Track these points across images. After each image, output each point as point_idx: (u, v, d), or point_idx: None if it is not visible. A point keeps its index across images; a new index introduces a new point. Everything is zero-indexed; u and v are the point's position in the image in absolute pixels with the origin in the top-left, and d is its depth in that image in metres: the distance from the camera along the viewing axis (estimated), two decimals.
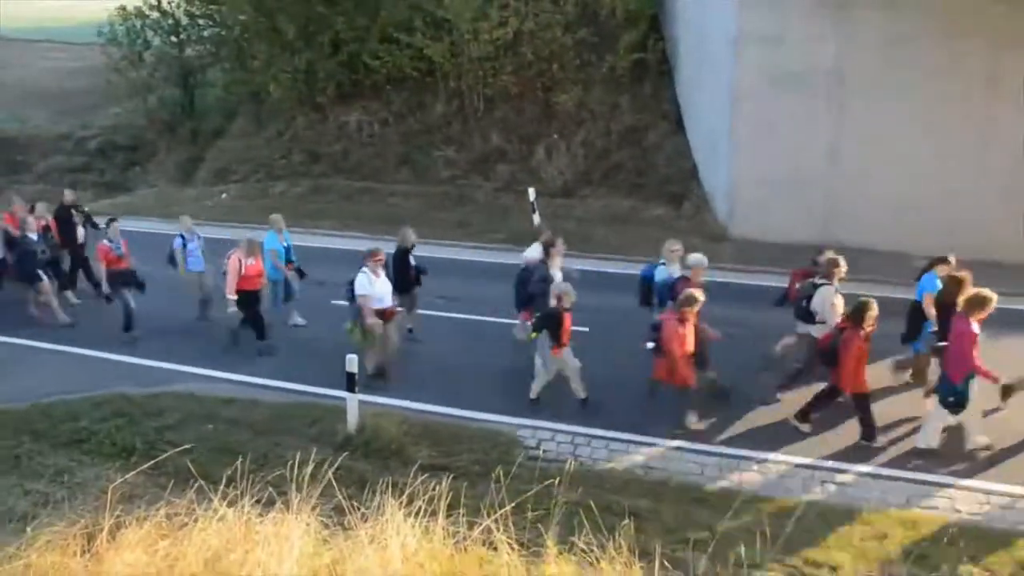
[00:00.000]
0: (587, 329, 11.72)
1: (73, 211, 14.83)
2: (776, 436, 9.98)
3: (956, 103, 15.41)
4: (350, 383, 9.87)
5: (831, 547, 7.88)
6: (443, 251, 16.89)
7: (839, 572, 7.44)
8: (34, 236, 13.61)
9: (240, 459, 6.33)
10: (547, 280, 11.15)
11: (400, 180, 21.06)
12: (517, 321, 12.07)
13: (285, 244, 13.17)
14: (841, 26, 15.71)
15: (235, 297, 12.01)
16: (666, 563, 5.79)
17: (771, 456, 9.62)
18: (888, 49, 15.50)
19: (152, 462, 7.08)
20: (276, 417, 10.54)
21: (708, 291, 10.43)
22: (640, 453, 9.76)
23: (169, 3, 25.33)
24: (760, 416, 10.40)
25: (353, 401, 9.94)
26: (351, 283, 11.28)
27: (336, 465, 6.25)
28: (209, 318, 13.33)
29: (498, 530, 5.49)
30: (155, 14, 25.38)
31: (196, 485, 6.03)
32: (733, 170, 17.01)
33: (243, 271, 12.00)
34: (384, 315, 11.22)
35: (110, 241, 12.94)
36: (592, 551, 5.53)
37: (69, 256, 14.71)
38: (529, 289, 11.36)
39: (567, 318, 10.31)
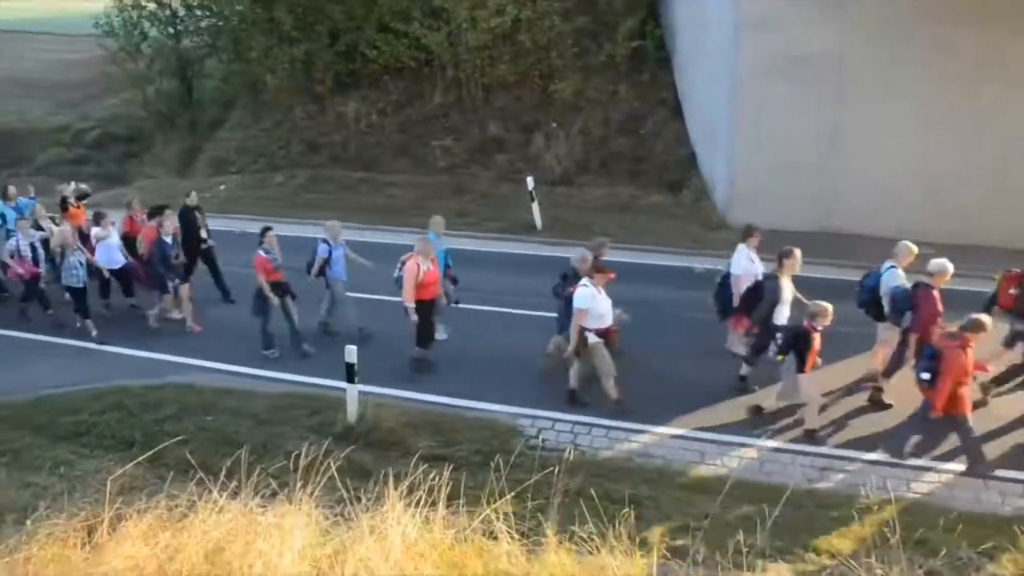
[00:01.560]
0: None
1: (197, 213, 14.06)
2: (776, 423, 9.99)
3: (953, 88, 15.35)
4: (349, 373, 9.87)
5: (831, 534, 7.89)
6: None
7: (839, 558, 7.45)
8: (169, 240, 12.83)
9: (240, 450, 6.33)
10: (776, 294, 10.24)
11: (398, 170, 21.00)
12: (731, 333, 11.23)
13: (443, 248, 12.22)
14: (839, 11, 15.62)
15: (413, 304, 10.86)
16: (666, 551, 5.80)
17: (771, 443, 9.63)
18: (888, 34, 15.42)
19: (151, 452, 7.07)
20: (276, 408, 10.55)
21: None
22: (640, 441, 9.77)
23: None
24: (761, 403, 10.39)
25: (353, 391, 9.95)
26: (559, 291, 10.59)
27: (337, 456, 6.26)
28: (332, 331, 12.42)
29: (498, 520, 5.50)
30: (152, 5, 25.24)
31: (196, 477, 6.04)
32: (732, 157, 16.96)
33: (420, 277, 10.89)
34: (605, 335, 10.14)
35: (266, 252, 11.82)
36: (592, 540, 5.55)
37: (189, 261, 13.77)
38: (763, 303, 10.27)
39: (817, 339, 9.47)
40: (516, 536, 5.48)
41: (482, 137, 21.03)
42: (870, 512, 7.96)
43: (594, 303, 9.95)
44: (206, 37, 25.52)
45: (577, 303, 9.93)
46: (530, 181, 17.56)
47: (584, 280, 10.09)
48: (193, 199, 14.21)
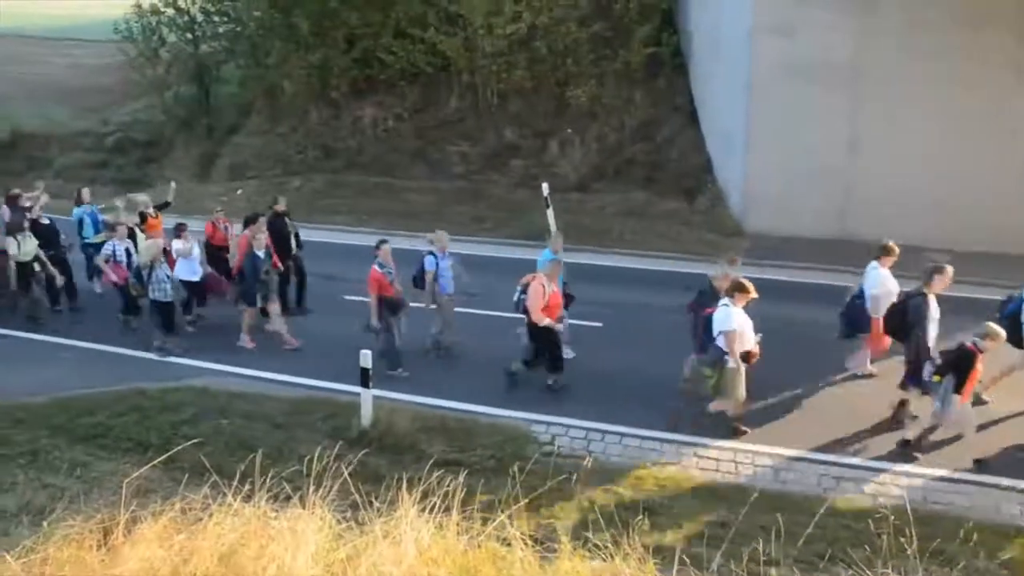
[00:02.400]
0: (600, 324, 11.70)
1: (286, 220, 13.58)
2: (790, 431, 9.92)
3: (977, 93, 15.23)
4: (364, 378, 9.89)
5: (846, 543, 7.82)
6: (457, 246, 16.82)
7: (854, 568, 7.38)
8: (262, 253, 12.22)
9: (255, 454, 6.35)
10: (924, 312, 9.53)
11: (414, 175, 21.07)
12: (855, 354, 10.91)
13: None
14: (859, 16, 15.55)
15: (547, 322, 10.37)
16: (682, 559, 5.76)
17: (786, 452, 9.56)
18: (907, 39, 15.34)
19: (166, 455, 7.10)
20: (291, 412, 10.58)
21: None
22: (654, 448, 9.72)
23: (184, 0, 25.41)
24: (776, 411, 10.33)
25: (367, 396, 9.96)
26: (697, 310, 10.05)
27: (351, 460, 6.27)
28: (444, 349, 11.96)
29: (512, 526, 5.48)
30: (170, 11, 25.48)
31: (211, 480, 6.05)
32: (748, 164, 16.90)
33: (546, 299, 10.40)
34: (747, 358, 9.62)
35: (381, 266, 11.29)
36: (606, 547, 5.52)
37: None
38: (909, 320, 9.63)
39: (981, 362, 8.88)
40: (530, 543, 5.46)
41: (498, 143, 21.06)
42: (886, 522, 7.88)
43: (737, 324, 9.42)
44: (224, 42, 25.73)
45: (721, 325, 9.38)
46: (545, 187, 17.56)
47: (724, 300, 9.56)
48: (282, 205, 13.74)
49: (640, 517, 6.34)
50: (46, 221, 13.98)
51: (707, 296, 10.14)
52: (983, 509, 8.52)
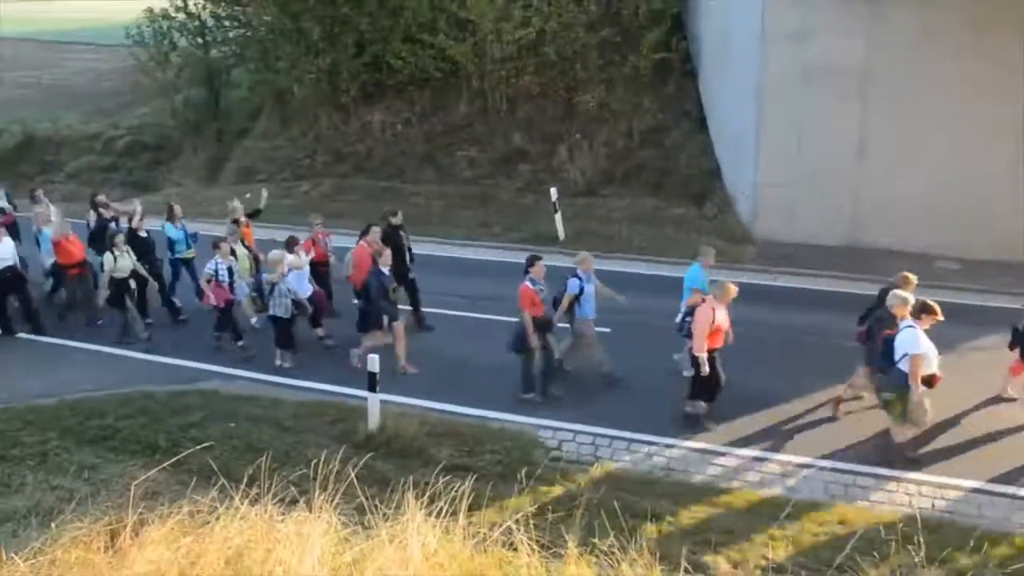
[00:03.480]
0: (609, 330, 11.68)
1: (402, 233, 13.03)
2: (798, 438, 9.88)
3: (989, 99, 15.15)
4: (371, 382, 9.90)
5: (854, 551, 7.78)
6: (465, 251, 16.93)
7: None
8: (387, 270, 11.55)
9: (262, 457, 6.36)
10: None
11: (423, 180, 21.11)
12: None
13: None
14: (870, 21, 15.49)
15: (705, 355, 9.67)
16: (687, 566, 5.75)
17: (794, 459, 9.53)
18: (918, 44, 15.27)
19: (175, 458, 7.12)
20: (298, 415, 10.60)
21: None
22: (661, 455, 9.70)
23: (195, 4, 25.55)
24: (782, 418, 10.30)
25: (374, 400, 9.97)
26: (875, 330, 9.62)
27: (358, 465, 6.27)
28: (565, 370, 11.15)
29: (519, 531, 5.48)
30: (181, 15, 25.62)
31: (218, 483, 6.07)
32: (757, 169, 16.86)
33: (714, 324, 9.70)
34: (931, 382, 9.13)
35: (533, 283, 10.58)
36: (613, 553, 5.51)
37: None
38: None
39: None
40: (536, 548, 5.45)
41: (506, 148, 21.08)
42: (895, 530, 7.85)
43: (923, 347, 8.94)
44: (234, 47, 25.86)
45: (907, 347, 8.89)
46: (553, 192, 17.58)
47: (909, 321, 9.11)
48: (399, 218, 13.23)
49: (647, 523, 6.34)
50: (144, 234, 13.53)
51: (880, 316, 9.69)
52: (993, 519, 8.47)
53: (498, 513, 5.70)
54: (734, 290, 9.81)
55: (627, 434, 10.01)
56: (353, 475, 6.02)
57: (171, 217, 13.99)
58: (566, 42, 20.44)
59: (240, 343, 12.38)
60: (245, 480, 5.91)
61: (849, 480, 9.17)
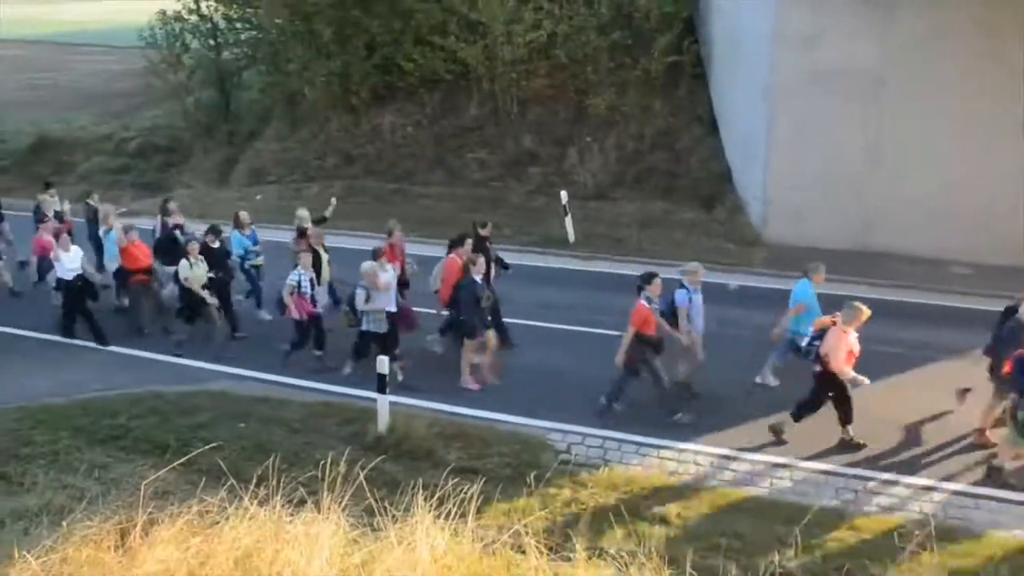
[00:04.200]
0: (618, 334, 11.65)
1: (488, 245, 12.51)
2: (809, 443, 9.84)
3: (1000, 102, 15.06)
4: (380, 384, 9.91)
5: (867, 559, 7.74)
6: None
7: None
8: (479, 278, 11.14)
9: (272, 458, 6.38)
10: None
11: (433, 182, 21.12)
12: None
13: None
14: (881, 24, 15.44)
15: (853, 375, 9.31)
16: (695, 570, 5.72)
17: (805, 464, 9.49)
18: (929, 46, 15.21)
19: (185, 458, 7.15)
20: (308, 416, 10.61)
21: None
22: (671, 458, 9.67)
23: (207, 7, 25.66)
24: (791, 422, 10.24)
25: (384, 402, 9.98)
26: (1001, 350, 9.19)
27: (367, 466, 6.28)
28: (683, 405, 10.49)
29: (527, 534, 5.47)
30: (194, 18, 25.74)
31: (228, 483, 6.09)
32: (768, 173, 16.82)
33: (848, 347, 9.34)
34: None
35: (649, 301, 10.13)
36: (621, 556, 5.50)
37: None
38: None
39: None
40: (545, 551, 5.44)
41: (516, 150, 21.08)
42: (907, 536, 7.81)
43: None
44: (245, 49, 25.93)
45: None
46: (564, 195, 17.57)
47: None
48: (488, 229, 12.75)
49: (656, 527, 6.31)
50: (216, 244, 12.99)
51: (1011, 338, 9.29)
52: (1006, 526, 8.41)
53: (507, 516, 5.70)
54: (867, 313, 9.33)
55: (636, 437, 9.99)
56: (362, 477, 6.03)
57: (238, 224, 13.54)
58: (577, 45, 20.43)
59: (319, 352, 11.88)
60: (254, 480, 5.93)
61: (861, 486, 9.12)
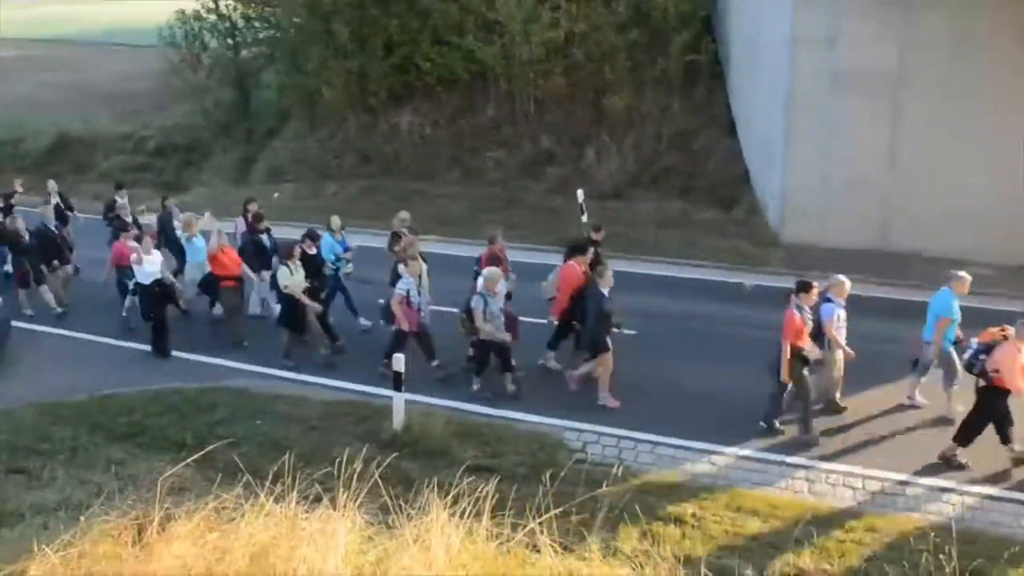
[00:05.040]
0: (635, 332, 11.64)
1: (597, 250, 11.75)
2: (825, 444, 9.77)
3: (1018, 104, 14.93)
4: (396, 382, 9.93)
5: (882, 560, 7.68)
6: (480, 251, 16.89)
7: None
8: (607, 291, 10.40)
9: (288, 454, 6.40)
10: None
11: (450, 181, 21.15)
12: None
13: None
14: (901, 26, 15.34)
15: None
16: (710, 570, 5.70)
17: (820, 465, 9.42)
18: (950, 48, 15.10)
19: (201, 454, 7.19)
20: (324, 414, 10.66)
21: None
22: (686, 459, 9.64)
23: (226, 6, 25.83)
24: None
25: (400, 400, 10.00)
26: None
27: (382, 464, 6.29)
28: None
29: (542, 533, 5.46)
30: (212, 17, 25.92)
31: (244, 479, 6.11)
32: (786, 174, 16.73)
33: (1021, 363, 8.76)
34: None
35: (800, 310, 9.56)
36: (636, 556, 5.48)
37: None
38: None
39: None
40: (560, 550, 5.44)
41: (534, 150, 21.07)
42: (925, 538, 7.73)
43: None
44: (264, 48, 26.12)
45: None
46: (581, 194, 17.54)
47: None
48: (601, 234, 12.18)
49: (671, 527, 6.29)
50: (313, 251, 12.50)
51: None
52: None
53: (521, 514, 5.67)
54: None
55: (652, 437, 9.96)
56: (377, 474, 6.04)
57: (331, 228, 13.08)
58: (594, 44, 20.41)
59: (436, 362, 11.37)
60: (270, 477, 5.95)
61: (877, 487, 9.04)
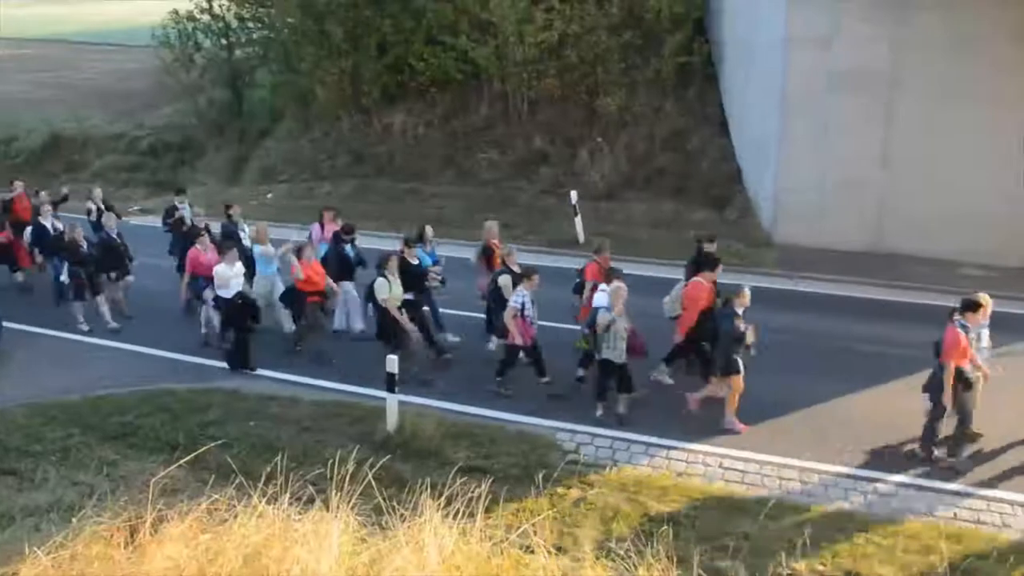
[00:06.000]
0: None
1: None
2: (818, 444, 9.79)
3: (1015, 106, 15.02)
4: (390, 383, 9.92)
5: (873, 559, 7.71)
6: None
7: None
8: (742, 311, 9.79)
9: (280, 456, 6.40)
10: None
11: (444, 182, 21.16)
12: None
13: None
14: (895, 27, 15.39)
15: None
16: (704, 571, 5.72)
17: (813, 465, 9.44)
18: (944, 48, 15.16)
19: (193, 455, 7.18)
20: (317, 415, 10.63)
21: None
22: (679, 459, 9.65)
23: (220, 6, 25.78)
24: (801, 423, 10.21)
25: (393, 401, 9.99)
26: None
27: (375, 465, 6.29)
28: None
29: (535, 534, 5.47)
30: (206, 17, 25.88)
31: (237, 481, 6.11)
32: (779, 174, 16.78)
33: None
34: None
35: (965, 329, 9.06)
36: (630, 557, 5.49)
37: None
38: None
39: None
40: (553, 551, 5.45)
41: (527, 150, 21.10)
42: (916, 538, 7.77)
43: None
44: (257, 48, 26.09)
45: None
46: (574, 195, 17.57)
47: None
48: (714, 245, 11.57)
49: (664, 527, 6.30)
50: (415, 261, 11.83)
51: None
52: (1017, 529, 8.36)
53: (515, 515, 5.69)
54: None
55: (645, 438, 9.96)
56: (370, 475, 6.04)
57: (422, 239, 12.43)
58: (588, 45, 20.44)
59: (546, 379, 10.86)
60: (263, 479, 5.95)
61: (869, 487, 9.07)
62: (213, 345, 12.35)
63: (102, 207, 15.22)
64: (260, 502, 5.68)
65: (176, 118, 27.39)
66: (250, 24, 25.95)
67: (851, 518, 8.50)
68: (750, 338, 9.80)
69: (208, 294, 12.33)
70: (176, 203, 15.04)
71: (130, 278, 13.82)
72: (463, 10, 21.29)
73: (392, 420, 10.00)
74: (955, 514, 8.59)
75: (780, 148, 16.65)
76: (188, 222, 14.27)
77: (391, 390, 9.96)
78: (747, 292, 9.86)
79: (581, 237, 17.13)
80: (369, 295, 11.29)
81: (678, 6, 20.24)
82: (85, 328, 13.15)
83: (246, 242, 13.24)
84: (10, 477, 9.25)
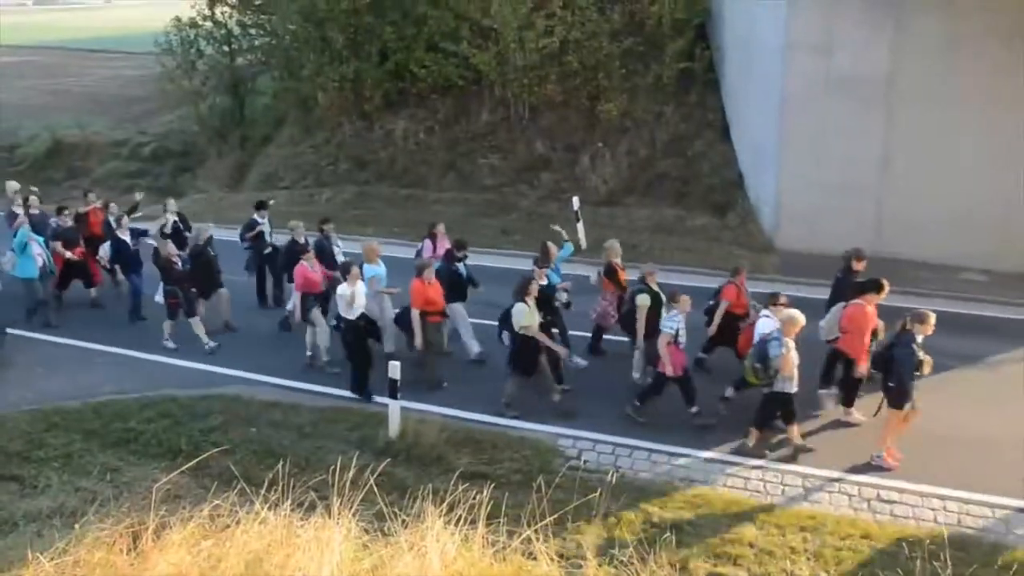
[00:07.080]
0: (628, 339, 11.63)
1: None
2: (821, 451, 9.78)
3: (1014, 110, 15.03)
4: (392, 389, 9.92)
5: (877, 567, 7.70)
6: (487, 259, 16.91)
7: None
8: (921, 338, 9.12)
9: (282, 462, 6.40)
10: None
11: (445, 187, 21.18)
12: None
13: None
14: (894, 32, 15.43)
15: None
16: None
17: (816, 472, 9.43)
18: (943, 53, 15.20)
19: (195, 461, 7.18)
20: (319, 421, 10.62)
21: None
22: (682, 465, 9.64)
23: (222, 13, 25.85)
24: (805, 430, 10.19)
25: (395, 407, 9.99)
26: None
27: (377, 471, 6.29)
28: None
29: (538, 540, 5.46)
30: (208, 24, 25.95)
31: (239, 487, 6.11)
32: (780, 179, 16.80)
33: None
34: None
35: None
36: (632, 563, 5.48)
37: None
38: None
39: None
40: (556, 557, 5.44)
41: (528, 156, 21.12)
42: (920, 546, 7.74)
43: None
44: (259, 55, 26.16)
45: None
46: (575, 201, 17.57)
47: None
48: (863, 263, 11.02)
49: (667, 534, 6.29)
50: (544, 281, 11.26)
51: None
52: (1022, 537, 8.34)
53: (517, 522, 5.67)
54: None
55: (647, 444, 9.95)
56: (372, 481, 6.03)
57: (546, 259, 11.79)
58: (589, 51, 20.46)
59: (695, 409, 10.18)
60: (265, 485, 5.95)
61: (873, 494, 9.06)
62: (317, 368, 11.94)
63: (175, 219, 14.60)
64: (262, 508, 5.67)
65: (178, 125, 27.46)
66: (252, 31, 26.03)
67: (854, 525, 8.49)
68: (927, 369, 9.11)
69: (316, 315, 11.91)
70: (256, 218, 14.38)
71: (223, 290, 13.31)
72: (464, 16, 21.34)
73: (394, 426, 9.99)
74: (959, 520, 8.57)
75: (780, 153, 16.68)
76: (268, 238, 14.07)
77: (393, 396, 9.96)
78: (932, 318, 9.03)
79: (583, 243, 17.12)
80: (504, 321, 10.71)
81: (679, 12, 20.28)
82: (171, 346, 12.72)
83: (340, 257, 12.82)
84: (13, 483, 9.25)
